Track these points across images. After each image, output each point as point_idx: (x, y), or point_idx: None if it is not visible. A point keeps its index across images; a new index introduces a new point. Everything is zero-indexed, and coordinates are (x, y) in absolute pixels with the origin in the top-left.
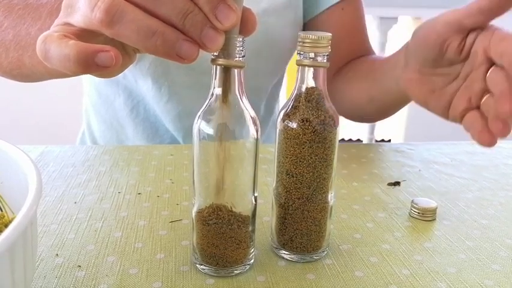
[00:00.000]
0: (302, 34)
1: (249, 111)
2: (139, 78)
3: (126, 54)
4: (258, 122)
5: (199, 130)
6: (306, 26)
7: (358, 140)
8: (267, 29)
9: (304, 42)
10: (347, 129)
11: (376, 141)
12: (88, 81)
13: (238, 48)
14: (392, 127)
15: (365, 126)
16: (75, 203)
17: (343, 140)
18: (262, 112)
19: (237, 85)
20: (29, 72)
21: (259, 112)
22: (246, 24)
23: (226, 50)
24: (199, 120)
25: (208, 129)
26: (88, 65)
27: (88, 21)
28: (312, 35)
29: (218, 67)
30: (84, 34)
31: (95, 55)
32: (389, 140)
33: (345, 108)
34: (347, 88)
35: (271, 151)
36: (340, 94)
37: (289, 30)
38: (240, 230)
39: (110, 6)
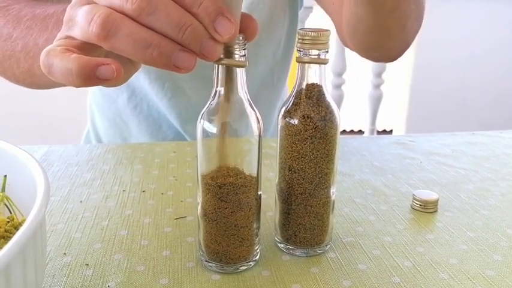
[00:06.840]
0: (301, 31)
1: (252, 109)
2: (141, 75)
3: (130, 62)
4: (261, 120)
5: (202, 129)
6: None
7: (360, 131)
8: (260, 16)
9: (303, 40)
10: (348, 120)
11: (378, 132)
12: None
13: (240, 48)
14: (393, 117)
15: (366, 117)
16: (81, 202)
17: (344, 131)
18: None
19: (240, 84)
20: (40, 81)
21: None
22: (246, 31)
23: (228, 50)
24: (203, 119)
25: (212, 128)
26: (90, 78)
27: (86, 35)
28: (311, 32)
29: (220, 66)
30: (86, 46)
31: (95, 69)
32: (391, 131)
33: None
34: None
35: (273, 146)
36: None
37: (280, 9)
38: (243, 228)
39: (106, 21)
